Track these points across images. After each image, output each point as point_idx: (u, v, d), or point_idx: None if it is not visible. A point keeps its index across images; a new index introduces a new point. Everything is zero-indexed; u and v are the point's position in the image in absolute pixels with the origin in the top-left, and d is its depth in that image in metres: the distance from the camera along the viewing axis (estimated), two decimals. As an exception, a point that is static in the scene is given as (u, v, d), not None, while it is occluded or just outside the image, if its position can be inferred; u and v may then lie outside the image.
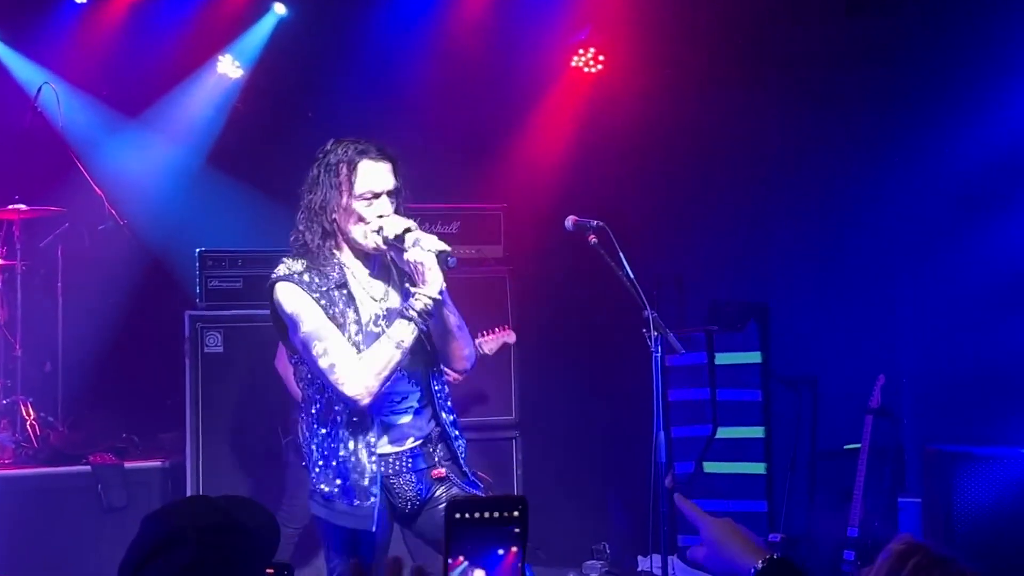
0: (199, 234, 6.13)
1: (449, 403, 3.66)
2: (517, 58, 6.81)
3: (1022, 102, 5.66)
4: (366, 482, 3.44)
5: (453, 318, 3.52)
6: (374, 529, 3.44)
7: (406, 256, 3.38)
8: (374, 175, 3.45)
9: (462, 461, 3.62)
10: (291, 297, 3.40)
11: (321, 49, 6.82)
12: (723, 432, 6.06)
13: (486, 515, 1.70)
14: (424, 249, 3.35)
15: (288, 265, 3.45)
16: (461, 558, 1.69)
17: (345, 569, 3.52)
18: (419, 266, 3.35)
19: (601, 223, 4.31)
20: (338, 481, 3.45)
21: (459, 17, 6.82)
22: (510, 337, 5.34)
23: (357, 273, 3.53)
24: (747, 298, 6.28)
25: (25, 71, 6.60)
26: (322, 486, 3.48)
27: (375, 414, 3.46)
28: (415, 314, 3.36)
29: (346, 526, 3.48)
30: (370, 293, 3.51)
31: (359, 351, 3.39)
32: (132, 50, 6.66)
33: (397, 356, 3.36)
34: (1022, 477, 5.01)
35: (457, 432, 3.64)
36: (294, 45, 6.81)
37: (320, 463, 3.49)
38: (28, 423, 5.74)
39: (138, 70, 6.67)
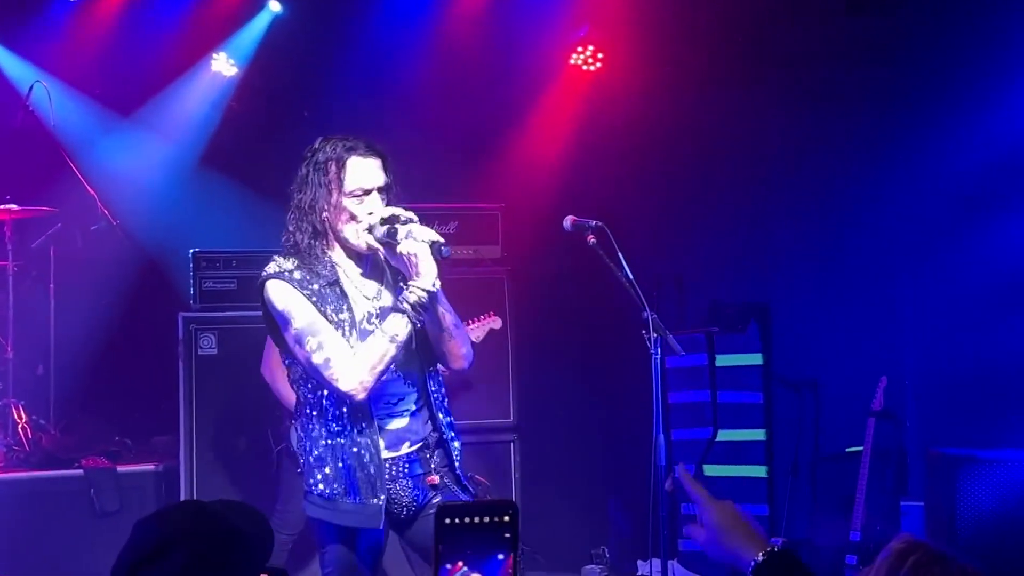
0: (193, 234, 6.13)
1: (446, 404, 3.65)
2: (515, 56, 6.81)
3: (1023, 101, 5.65)
4: (374, 480, 3.43)
5: (449, 316, 3.51)
6: (381, 527, 3.44)
7: (399, 249, 3.37)
8: (363, 172, 3.45)
9: (457, 466, 3.61)
10: (282, 294, 3.40)
11: (316, 47, 6.82)
12: (724, 435, 6.06)
13: (476, 520, 1.70)
14: (417, 240, 3.35)
15: (278, 263, 3.46)
16: (460, 563, 1.69)
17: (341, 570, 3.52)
18: (412, 257, 3.35)
19: (600, 223, 4.31)
20: (343, 480, 3.44)
21: (456, 14, 6.82)
22: (495, 323, 5.32)
23: (349, 272, 3.52)
24: (748, 299, 6.28)
25: (17, 69, 6.59)
26: (322, 486, 3.47)
27: (373, 413, 3.46)
28: (408, 307, 3.35)
29: (350, 525, 3.47)
30: (363, 292, 3.50)
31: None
32: (125, 48, 6.65)
33: (392, 350, 3.35)
34: (1026, 480, 5.01)
35: (453, 434, 3.63)
36: (289, 43, 6.81)
37: (321, 464, 3.48)
38: (20, 426, 5.73)
39: (131, 68, 6.67)
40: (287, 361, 3.56)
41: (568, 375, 6.68)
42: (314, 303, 3.40)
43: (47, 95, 6.14)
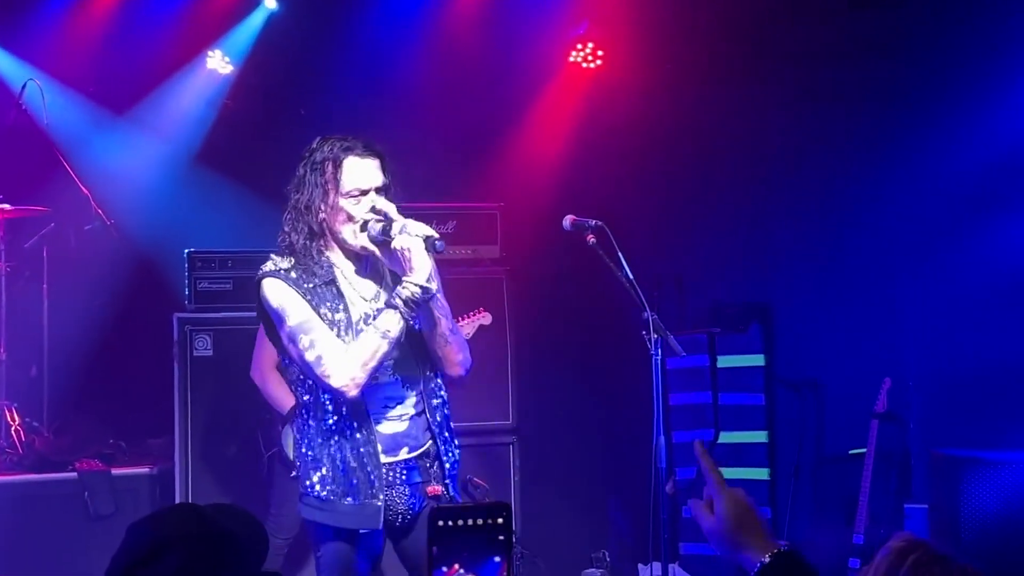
0: (188, 234, 6.13)
1: (446, 411, 3.65)
2: (514, 53, 6.81)
3: (1024, 101, 5.66)
4: (372, 481, 3.43)
5: (446, 321, 3.51)
6: (380, 527, 3.44)
7: (393, 244, 3.38)
8: (360, 172, 3.46)
9: (446, 472, 3.59)
10: (277, 292, 3.43)
11: (313, 44, 6.81)
12: (725, 437, 6.06)
13: (470, 523, 1.71)
14: (411, 235, 3.36)
15: (275, 262, 3.48)
16: (456, 566, 1.70)
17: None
18: (406, 252, 3.35)
19: (600, 222, 4.31)
20: (341, 481, 3.44)
21: (454, 11, 6.82)
22: (485, 319, 5.31)
23: (347, 273, 3.53)
24: (749, 299, 6.28)
25: (9, 67, 6.58)
26: (318, 488, 3.47)
27: (370, 415, 3.46)
28: (401, 302, 3.36)
29: (348, 527, 3.47)
30: (360, 293, 3.52)
31: None
32: (119, 45, 6.64)
33: (383, 346, 3.35)
34: (1032, 483, 5.01)
35: (450, 446, 3.62)
36: (285, 40, 6.80)
37: (317, 465, 3.48)
38: (13, 429, 5.73)
39: (125, 66, 6.66)
40: (284, 361, 3.57)
41: (568, 376, 6.68)
42: (308, 301, 3.41)
43: (40, 93, 6.13)
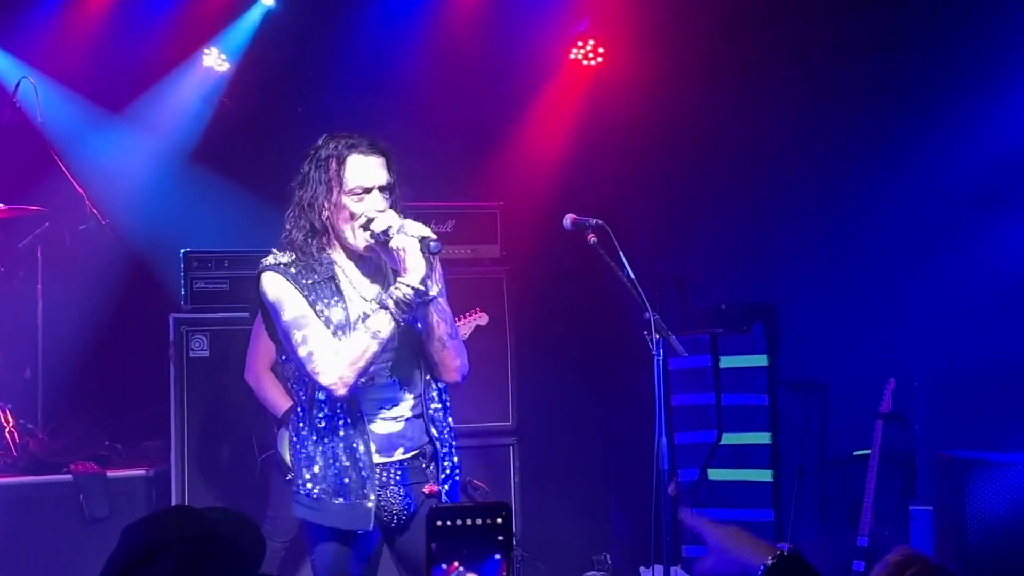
0: (184, 234, 6.13)
1: (447, 415, 3.64)
2: (513, 50, 6.81)
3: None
4: (364, 481, 3.43)
5: (444, 326, 3.51)
6: (371, 528, 3.44)
7: (391, 243, 3.38)
8: (364, 170, 3.46)
9: (441, 479, 3.58)
10: (274, 286, 3.45)
11: (311, 41, 6.81)
12: (728, 438, 6.06)
13: (469, 523, 1.71)
14: (407, 235, 3.36)
15: (276, 256, 3.50)
16: (456, 563, 1.70)
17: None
18: (400, 252, 3.36)
19: (601, 222, 4.31)
20: (332, 480, 3.45)
21: (454, 7, 6.82)
22: (482, 319, 5.32)
23: (349, 272, 3.54)
24: (752, 299, 6.28)
25: (3, 65, 6.57)
26: (310, 486, 3.49)
27: (363, 415, 3.47)
28: (392, 303, 3.36)
29: (338, 526, 3.47)
30: (360, 292, 3.52)
31: None
32: (115, 43, 6.64)
33: (373, 346, 3.36)
34: (1038, 484, 5.01)
35: (448, 449, 3.62)
36: (282, 38, 6.80)
37: (310, 463, 3.49)
38: (7, 430, 5.72)
39: (121, 64, 6.66)
40: (281, 358, 3.59)
41: (569, 377, 6.68)
42: (306, 297, 3.43)
43: (34, 91, 6.12)
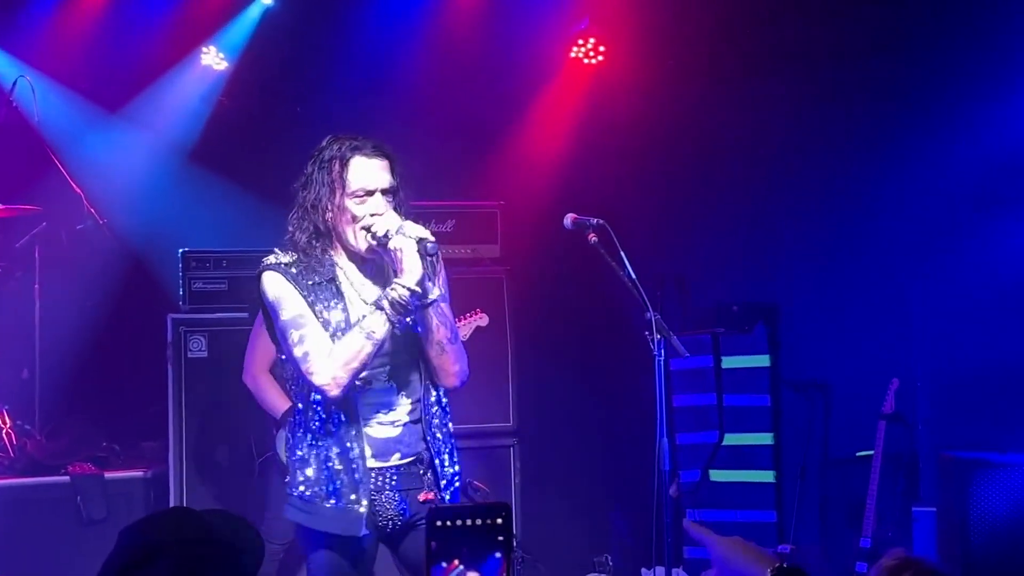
0: (182, 234, 6.13)
1: (447, 421, 3.64)
2: (514, 49, 6.81)
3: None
4: (357, 485, 3.44)
5: (443, 330, 3.50)
6: (361, 534, 3.44)
7: (389, 244, 3.39)
8: (367, 172, 3.46)
9: (442, 486, 3.58)
10: (274, 285, 3.46)
11: (309, 40, 6.81)
12: (730, 439, 6.06)
13: (469, 523, 1.72)
14: (405, 236, 3.37)
15: (277, 256, 3.51)
16: (456, 561, 1.70)
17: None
18: (398, 253, 3.36)
19: (601, 221, 4.31)
20: (324, 483, 3.45)
21: (453, 6, 6.82)
22: (482, 320, 5.32)
23: (350, 274, 3.55)
24: (754, 299, 6.28)
25: None
26: (302, 488, 3.49)
27: (359, 418, 3.47)
28: (387, 304, 3.36)
29: (328, 531, 3.47)
30: (361, 295, 3.52)
31: None
32: (112, 41, 6.64)
33: (367, 347, 3.36)
34: (1041, 485, 5.01)
35: (449, 456, 3.61)
36: (281, 36, 6.80)
37: (303, 465, 3.49)
38: (4, 432, 5.73)
39: (119, 62, 6.66)
40: (281, 357, 3.59)
41: (569, 377, 6.68)
42: (305, 297, 3.44)
43: (31, 90, 6.13)
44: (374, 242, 3.44)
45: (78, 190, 6.12)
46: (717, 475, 6.08)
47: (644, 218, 6.47)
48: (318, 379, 3.37)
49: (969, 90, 5.77)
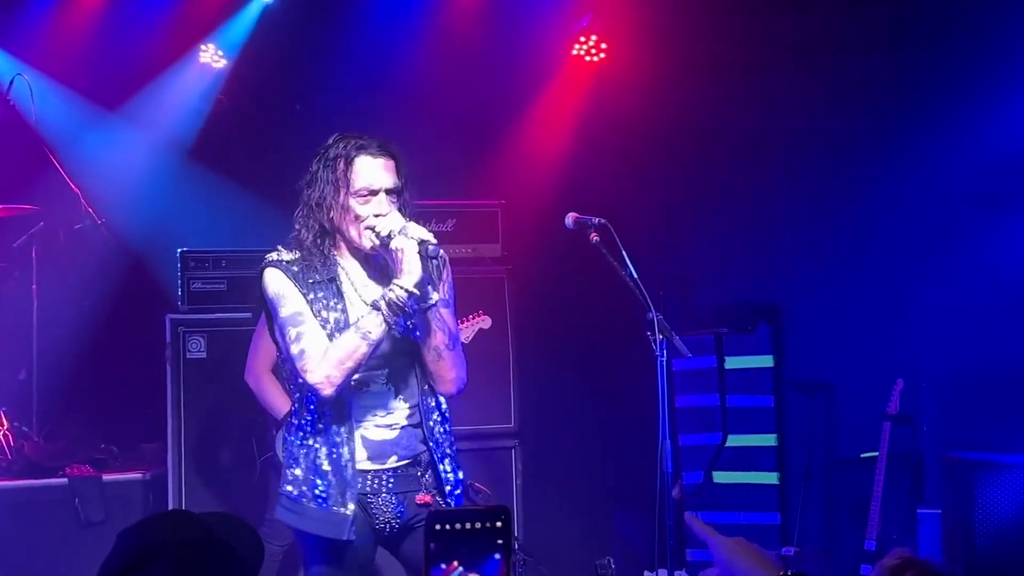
0: (181, 233, 6.14)
1: (443, 425, 3.64)
2: (515, 47, 6.81)
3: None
4: (344, 488, 3.44)
5: (442, 335, 3.50)
6: (345, 538, 3.44)
7: (391, 244, 3.39)
8: (371, 171, 3.48)
9: (446, 492, 3.59)
10: (275, 282, 3.48)
11: (309, 38, 6.81)
12: (733, 440, 6.06)
13: (468, 526, 1.72)
14: (407, 237, 3.37)
15: (280, 252, 3.53)
16: (455, 563, 1.71)
17: None
18: (399, 254, 3.37)
19: (603, 220, 4.31)
20: (311, 484, 3.46)
21: (454, 3, 6.82)
22: (485, 323, 5.32)
23: (353, 274, 3.55)
24: (757, 299, 6.28)
25: (-4, 62, 6.59)
26: (290, 488, 3.51)
27: (353, 420, 3.47)
28: (384, 304, 3.36)
29: (312, 532, 3.49)
30: (362, 295, 3.52)
31: None
32: (110, 39, 6.64)
33: (363, 347, 3.37)
34: (1048, 487, 5.01)
35: (451, 461, 3.62)
36: (281, 34, 6.79)
37: (293, 464, 3.51)
38: (1, 433, 5.73)
39: (117, 61, 6.66)
40: (280, 355, 3.60)
41: (571, 378, 6.68)
42: (304, 295, 3.45)
43: (28, 88, 6.13)
44: (377, 241, 3.45)
45: (76, 189, 6.12)
46: (720, 477, 6.08)
47: (646, 217, 6.48)
48: (312, 377, 3.38)
49: (974, 88, 5.77)
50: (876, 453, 5.50)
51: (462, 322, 5.20)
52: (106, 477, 5.52)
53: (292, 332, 3.42)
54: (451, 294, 3.61)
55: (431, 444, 3.56)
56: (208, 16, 6.78)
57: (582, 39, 6.92)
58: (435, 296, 3.47)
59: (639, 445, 5.34)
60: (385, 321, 3.37)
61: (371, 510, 3.51)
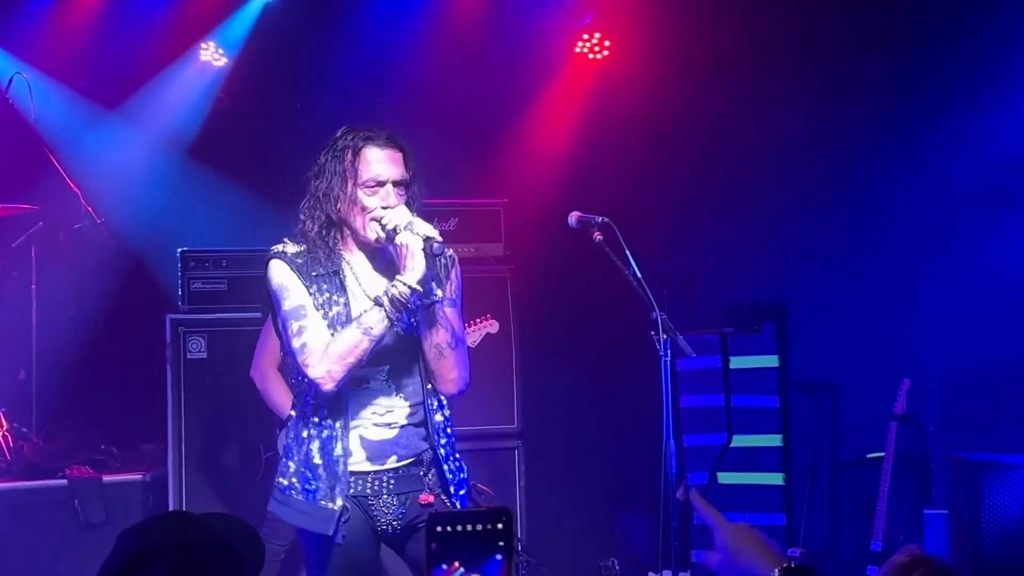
0: (181, 233, 6.14)
1: (446, 425, 3.63)
2: (518, 44, 6.81)
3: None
4: (334, 483, 3.45)
5: (444, 333, 3.49)
6: (331, 533, 3.44)
7: (396, 239, 3.40)
8: (379, 162, 3.49)
9: (452, 491, 3.59)
10: (278, 274, 3.49)
11: (311, 35, 6.81)
12: (738, 440, 6.06)
13: (469, 528, 1.73)
14: (414, 233, 3.38)
15: (285, 245, 3.54)
16: (457, 564, 1.71)
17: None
18: (403, 249, 3.37)
19: (607, 219, 4.31)
20: (302, 477, 3.48)
21: (456, 0, 6.82)
22: (492, 327, 5.33)
23: (358, 268, 3.56)
24: (762, 299, 6.28)
25: (-5, 60, 6.60)
26: (282, 479, 3.53)
27: (348, 416, 3.47)
28: (386, 300, 3.37)
29: (298, 525, 3.51)
30: (367, 290, 3.52)
31: None
32: (110, 38, 6.64)
33: (364, 342, 3.37)
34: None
35: (454, 462, 3.62)
36: (282, 31, 6.79)
37: (288, 455, 3.53)
38: (0, 434, 5.73)
39: (116, 59, 6.66)
40: (283, 352, 3.62)
41: (574, 378, 6.68)
42: (307, 288, 3.46)
43: (27, 87, 6.14)
44: (383, 235, 3.46)
45: (75, 189, 6.13)
46: (725, 477, 6.08)
47: (650, 216, 6.47)
48: (312, 372, 3.38)
49: (982, 87, 5.78)
50: (882, 454, 5.50)
51: (469, 326, 5.20)
52: (106, 478, 5.52)
53: (294, 326, 3.43)
54: (459, 294, 3.61)
55: (435, 443, 3.56)
56: (208, 14, 6.78)
57: (585, 37, 6.92)
58: (439, 292, 3.47)
59: (643, 445, 5.35)
60: (387, 317, 3.37)
61: (372, 512, 3.51)
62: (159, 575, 1.80)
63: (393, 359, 3.51)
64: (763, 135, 6.53)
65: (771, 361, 6.09)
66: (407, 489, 3.54)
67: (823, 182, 6.35)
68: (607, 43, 6.90)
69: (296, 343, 3.42)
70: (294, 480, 3.49)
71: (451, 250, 3.59)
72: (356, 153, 3.48)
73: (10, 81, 6.13)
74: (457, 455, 3.65)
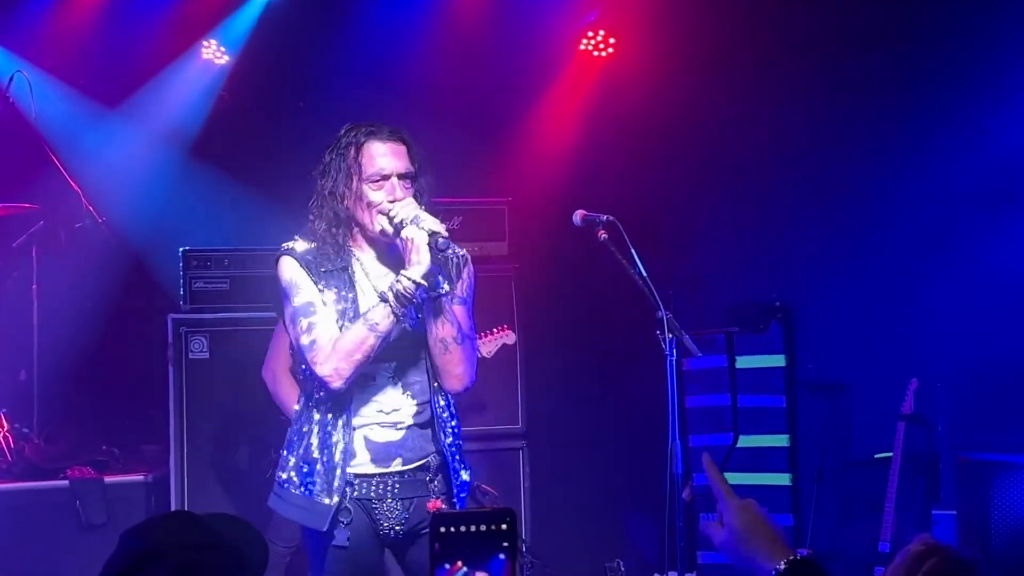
0: (183, 232, 6.14)
1: (452, 425, 3.63)
2: (522, 42, 6.81)
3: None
4: (331, 480, 3.45)
5: (450, 327, 3.49)
6: (325, 529, 3.45)
7: (402, 233, 3.40)
8: (382, 156, 3.50)
9: (455, 496, 3.59)
10: (288, 271, 3.50)
11: (313, 33, 6.82)
12: (745, 441, 6.05)
13: (473, 529, 1.73)
14: (419, 227, 3.38)
15: (296, 242, 3.55)
16: (460, 563, 1.71)
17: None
18: (408, 244, 3.38)
19: (612, 218, 4.30)
20: (300, 471, 3.48)
21: (460, -2, 6.83)
22: (509, 338, 5.32)
23: (367, 264, 3.57)
24: (768, 298, 6.28)
25: (-4, 59, 6.61)
26: (281, 473, 3.54)
27: (350, 414, 3.48)
28: (392, 295, 3.37)
29: (293, 519, 3.52)
30: (375, 285, 3.52)
31: None
32: (111, 36, 6.65)
33: (370, 339, 3.37)
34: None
35: (458, 462, 3.61)
36: (284, 29, 6.80)
37: (290, 448, 3.54)
38: (1, 435, 5.74)
39: (117, 57, 6.67)
40: (291, 350, 3.63)
41: (579, 378, 6.68)
42: (316, 284, 3.47)
43: (28, 86, 6.14)
44: (390, 228, 3.46)
45: (76, 188, 6.13)
46: (732, 478, 6.01)
47: (655, 214, 6.47)
48: (321, 369, 3.39)
49: (988, 86, 5.77)
50: (890, 454, 5.49)
51: (485, 336, 5.20)
52: (108, 479, 5.53)
53: (303, 323, 3.44)
54: (470, 293, 3.61)
55: (442, 445, 3.56)
56: (210, 12, 6.79)
57: (590, 34, 6.92)
58: (446, 287, 3.46)
59: (649, 446, 5.33)
60: (393, 313, 3.37)
61: (375, 515, 3.51)
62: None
63: (400, 355, 3.51)
64: (769, 133, 6.52)
65: (778, 360, 6.08)
66: (412, 494, 3.54)
67: (830, 180, 6.35)
68: (611, 41, 6.91)
69: (305, 340, 3.43)
70: (292, 474, 3.50)
71: (464, 249, 3.57)
72: (359, 148, 3.50)
73: (11, 79, 6.13)
74: (462, 457, 3.64)
